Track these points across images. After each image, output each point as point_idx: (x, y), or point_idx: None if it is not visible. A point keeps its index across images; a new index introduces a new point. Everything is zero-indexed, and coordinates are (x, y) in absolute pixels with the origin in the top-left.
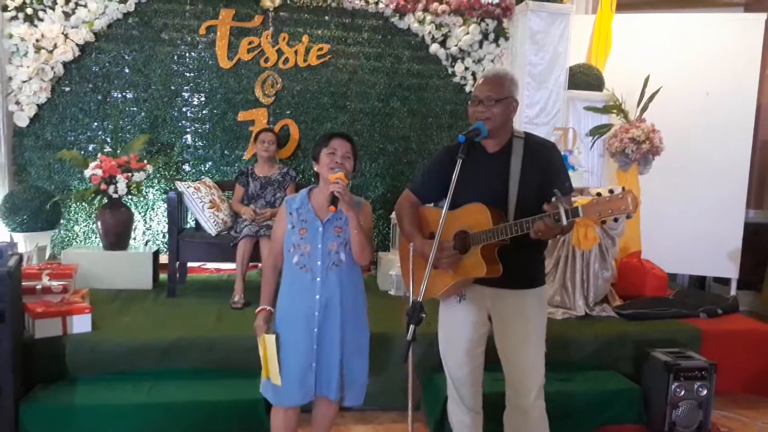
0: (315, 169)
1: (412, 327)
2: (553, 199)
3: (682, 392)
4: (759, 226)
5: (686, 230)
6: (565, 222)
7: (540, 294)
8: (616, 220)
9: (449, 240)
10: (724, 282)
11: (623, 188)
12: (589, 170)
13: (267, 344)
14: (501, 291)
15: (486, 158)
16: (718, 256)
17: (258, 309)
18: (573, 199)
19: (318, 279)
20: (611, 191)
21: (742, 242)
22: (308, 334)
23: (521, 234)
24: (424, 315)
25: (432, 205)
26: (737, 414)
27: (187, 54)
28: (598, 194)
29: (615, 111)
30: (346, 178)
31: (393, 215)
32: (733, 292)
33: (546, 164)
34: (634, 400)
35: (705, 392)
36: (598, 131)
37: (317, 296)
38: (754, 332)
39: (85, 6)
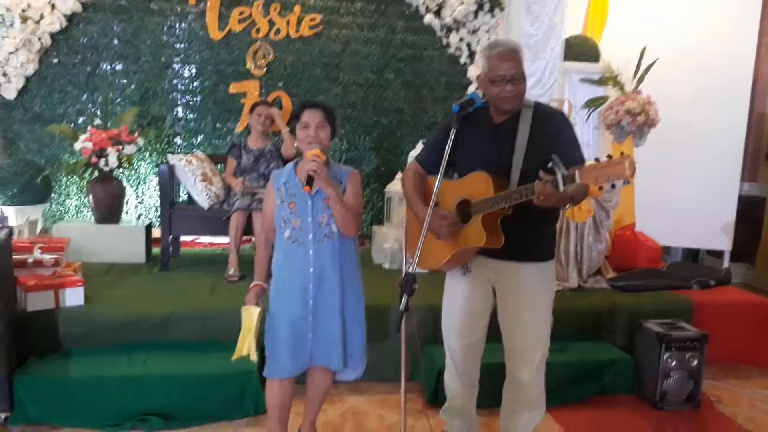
0: (295, 144)
1: (404, 297)
2: (550, 164)
3: (674, 362)
4: (753, 198)
5: (681, 203)
6: (561, 188)
7: (546, 268)
8: (613, 186)
9: (451, 209)
10: (718, 255)
11: (621, 153)
12: (585, 142)
13: (251, 314)
14: (504, 263)
15: (492, 128)
16: (711, 228)
17: (252, 285)
18: None
19: (311, 252)
20: (609, 156)
21: (735, 215)
22: (304, 307)
23: (522, 202)
24: (416, 286)
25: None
26: (727, 384)
27: (177, 25)
28: (596, 159)
29: (611, 83)
30: (322, 153)
31: (387, 189)
32: (726, 264)
33: (554, 134)
34: (626, 370)
35: (696, 362)
36: (593, 103)
37: (311, 269)
38: (746, 303)
39: None
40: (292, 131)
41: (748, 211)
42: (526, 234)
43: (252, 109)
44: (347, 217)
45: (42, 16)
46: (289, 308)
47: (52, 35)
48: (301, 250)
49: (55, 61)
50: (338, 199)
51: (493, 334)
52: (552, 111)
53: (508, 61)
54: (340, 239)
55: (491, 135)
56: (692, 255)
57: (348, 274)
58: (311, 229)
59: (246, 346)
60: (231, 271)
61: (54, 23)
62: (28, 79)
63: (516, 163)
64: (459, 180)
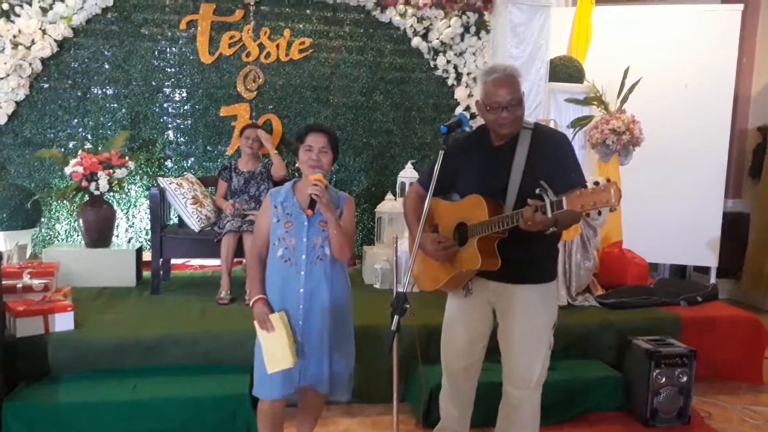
0: (297, 164)
1: (396, 318)
2: (537, 190)
3: (663, 379)
4: (737, 215)
5: (667, 220)
6: (549, 214)
7: (545, 290)
8: (599, 213)
9: (449, 232)
10: (704, 271)
11: (608, 180)
12: None
13: (282, 321)
14: (503, 285)
15: (492, 150)
16: (697, 245)
17: (253, 300)
18: None
19: (302, 273)
20: (597, 183)
21: (721, 231)
22: (293, 327)
23: (515, 226)
24: (407, 305)
25: (441, 197)
26: (717, 399)
27: (168, 49)
28: (596, 183)
29: (595, 103)
30: (324, 178)
31: (377, 209)
32: (712, 280)
33: (552, 155)
34: (616, 387)
35: (685, 378)
36: (579, 123)
37: (301, 290)
38: (733, 319)
39: (63, 1)
40: (295, 151)
41: (733, 227)
42: (524, 256)
43: (241, 132)
44: (343, 242)
45: (33, 42)
46: None
47: (43, 60)
48: (293, 270)
49: (46, 86)
50: (336, 224)
51: (489, 354)
52: (551, 132)
53: (504, 87)
54: (332, 262)
55: (490, 157)
56: (679, 271)
57: (338, 297)
58: (305, 250)
59: (289, 353)
60: (222, 294)
61: (45, 48)
62: (18, 104)
63: (512, 186)
64: (457, 202)
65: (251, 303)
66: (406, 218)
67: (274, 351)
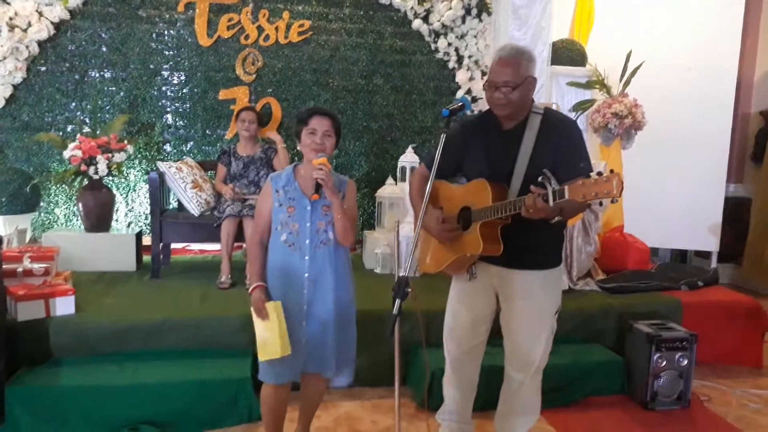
0: (298, 147)
1: (397, 301)
2: (540, 178)
3: (664, 363)
4: (739, 199)
5: (668, 204)
6: (551, 203)
7: (549, 275)
8: (601, 203)
9: (453, 215)
10: (705, 255)
11: (611, 171)
12: None
13: (277, 311)
14: (506, 270)
15: (500, 135)
16: (699, 229)
17: (252, 287)
18: None
19: (306, 257)
20: (599, 173)
21: (722, 216)
22: (298, 312)
23: (518, 213)
24: (409, 289)
25: (448, 179)
26: (717, 383)
27: (166, 32)
28: (599, 174)
29: (598, 86)
30: (328, 162)
31: (377, 194)
32: (713, 264)
33: (561, 142)
34: (617, 371)
35: (686, 362)
36: (581, 107)
37: (306, 274)
38: (734, 304)
39: None
40: (297, 134)
41: (734, 212)
42: (528, 242)
43: (237, 115)
44: (347, 226)
45: (29, 24)
46: (285, 313)
47: (40, 43)
48: (297, 254)
49: (43, 69)
50: (341, 208)
51: (492, 337)
52: (561, 118)
53: (501, 67)
54: (335, 246)
55: (498, 141)
56: (680, 256)
57: (341, 281)
58: (309, 235)
59: (281, 342)
60: (222, 278)
61: (42, 31)
62: (15, 87)
63: (518, 171)
64: (462, 186)
65: (250, 290)
66: (412, 199)
67: (266, 339)
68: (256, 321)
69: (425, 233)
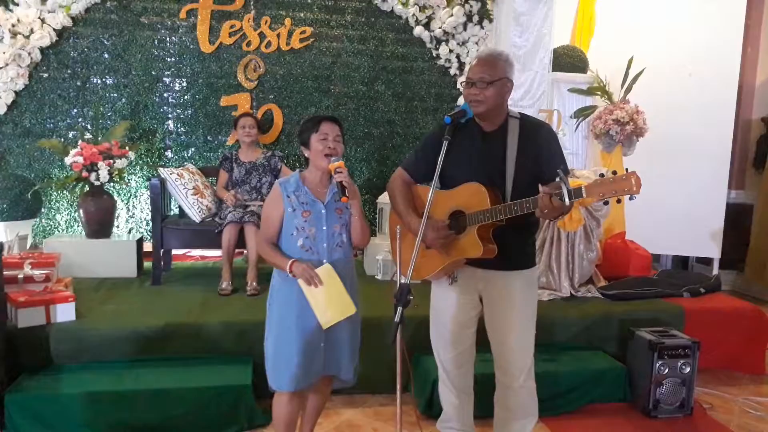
0: (306, 155)
1: (399, 309)
2: (557, 179)
3: (666, 370)
4: (740, 206)
5: (670, 211)
6: (567, 202)
7: (530, 275)
8: (619, 201)
9: (444, 220)
10: (707, 262)
11: (626, 169)
12: (574, 152)
13: (329, 272)
14: (492, 272)
15: (481, 138)
16: (700, 236)
17: (289, 264)
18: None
19: (324, 261)
20: (602, 175)
21: (724, 222)
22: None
23: (519, 215)
24: (411, 297)
25: (426, 184)
26: (719, 391)
27: (168, 38)
28: (601, 175)
29: (599, 93)
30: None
31: (379, 200)
32: (715, 271)
33: (542, 145)
34: (619, 378)
35: (688, 370)
36: (582, 113)
37: None
38: (736, 310)
39: None
40: (304, 142)
41: (736, 218)
42: (514, 243)
43: (236, 123)
44: (365, 228)
45: (32, 31)
46: (301, 317)
47: (42, 50)
48: (314, 258)
49: (45, 75)
50: (360, 210)
51: (487, 345)
52: (539, 123)
53: (478, 65)
54: (348, 250)
55: (480, 144)
56: (681, 262)
57: (352, 284)
58: (325, 239)
59: (343, 305)
60: (224, 285)
61: (44, 38)
62: (17, 93)
63: (509, 174)
64: (451, 190)
65: (288, 267)
66: (396, 205)
67: (328, 304)
68: (310, 292)
69: (407, 239)
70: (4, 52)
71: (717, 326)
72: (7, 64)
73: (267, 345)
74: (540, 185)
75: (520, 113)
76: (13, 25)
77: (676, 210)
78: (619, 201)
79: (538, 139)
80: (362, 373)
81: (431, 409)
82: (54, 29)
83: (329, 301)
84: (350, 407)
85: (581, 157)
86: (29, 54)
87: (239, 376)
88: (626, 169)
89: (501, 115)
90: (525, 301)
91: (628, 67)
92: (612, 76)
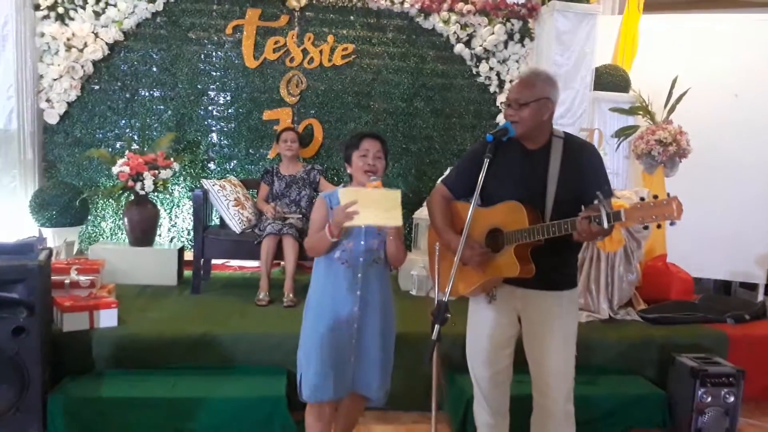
0: (348, 171)
1: (437, 327)
2: (596, 201)
3: (709, 398)
4: None
5: (713, 233)
6: (606, 225)
7: (571, 296)
8: (659, 226)
9: (481, 237)
10: (751, 287)
11: (668, 194)
12: (615, 172)
13: (349, 196)
14: (531, 292)
15: (524, 156)
16: (744, 260)
17: (327, 227)
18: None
19: (360, 275)
20: (642, 198)
21: None
22: (348, 329)
23: (558, 235)
24: (449, 315)
25: (466, 200)
26: (764, 421)
27: (214, 53)
28: (642, 198)
29: (641, 112)
30: (380, 182)
31: (415, 215)
32: (760, 297)
33: (585, 166)
34: (658, 405)
35: (732, 399)
36: (623, 132)
37: (358, 292)
38: None
39: (115, 5)
40: (347, 158)
41: None
42: (554, 263)
43: (278, 137)
44: (400, 247)
45: (85, 45)
46: (334, 330)
47: (94, 63)
48: (350, 272)
49: (96, 87)
50: (396, 230)
51: (523, 365)
52: (583, 143)
53: (516, 86)
54: (384, 266)
55: (523, 163)
56: (724, 287)
57: (387, 301)
58: (362, 254)
59: (393, 212)
60: (261, 295)
61: (96, 51)
62: (70, 104)
63: (550, 194)
64: (489, 208)
65: (327, 229)
66: (434, 221)
67: (378, 209)
68: (360, 218)
69: (446, 256)
70: (58, 65)
71: (762, 355)
72: (61, 76)
73: (300, 355)
74: (583, 207)
75: (564, 132)
76: (68, 39)
77: (720, 233)
78: (659, 226)
79: (582, 159)
80: (395, 390)
81: (465, 429)
82: (106, 43)
83: (377, 206)
84: (382, 423)
85: (622, 177)
86: (82, 67)
87: (274, 387)
88: (668, 194)
89: (543, 134)
90: (564, 322)
91: (672, 87)
92: (654, 96)
